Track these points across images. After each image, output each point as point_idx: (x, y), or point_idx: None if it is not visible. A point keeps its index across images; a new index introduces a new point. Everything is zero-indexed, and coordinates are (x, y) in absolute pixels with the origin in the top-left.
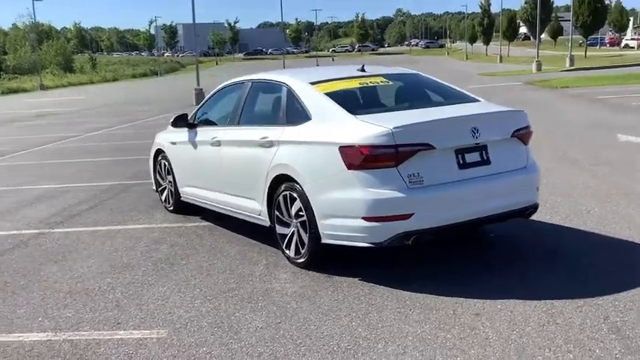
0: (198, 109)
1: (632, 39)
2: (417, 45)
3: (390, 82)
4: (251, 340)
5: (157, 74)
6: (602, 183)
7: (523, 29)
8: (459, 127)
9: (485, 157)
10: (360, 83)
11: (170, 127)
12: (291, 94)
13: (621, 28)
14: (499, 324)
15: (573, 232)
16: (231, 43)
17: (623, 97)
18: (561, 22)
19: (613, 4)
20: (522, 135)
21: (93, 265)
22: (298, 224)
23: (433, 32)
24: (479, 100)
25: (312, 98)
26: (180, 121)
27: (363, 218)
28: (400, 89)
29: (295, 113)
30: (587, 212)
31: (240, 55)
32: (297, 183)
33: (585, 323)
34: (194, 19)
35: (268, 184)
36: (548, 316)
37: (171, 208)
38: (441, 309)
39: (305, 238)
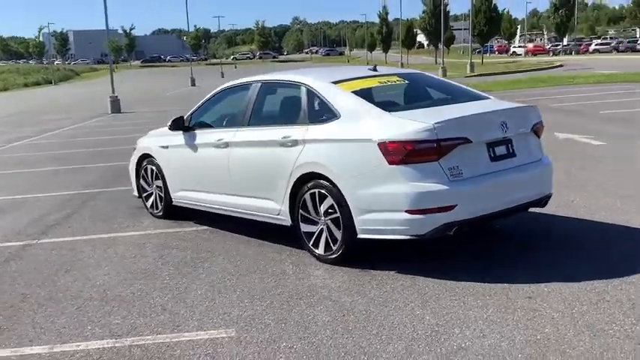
0: (192, 113)
1: (519, 46)
2: (316, 53)
3: (406, 81)
4: (326, 333)
5: (52, 83)
6: (572, 176)
7: (420, 37)
8: (491, 122)
9: (511, 150)
10: (379, 82)
11: (156, 132)
12: (312, 93)
13: (510, 36)
14: (556, 304)
15: (565, 220)
16: (128, 50)
17: (539, 99)
18: (453, 31)
19: (503, 13)
20: (538, 129)
21: (110, 273)
22: (329, 221)
23: (331, 40)
24: (490, 98)
25: (339, 97)
26: (178, 125)
27: (407, 211)
28: (417, 87)
29: (319, 112)
30: (572, 202)
31: (138, 62)
32: (329, 180)
33: (632, 299)
34: (106, 25)
35: (292, 183)
36: (596, 295)
37: (160, 214)
38: (493, 295)
39: (337, 234)
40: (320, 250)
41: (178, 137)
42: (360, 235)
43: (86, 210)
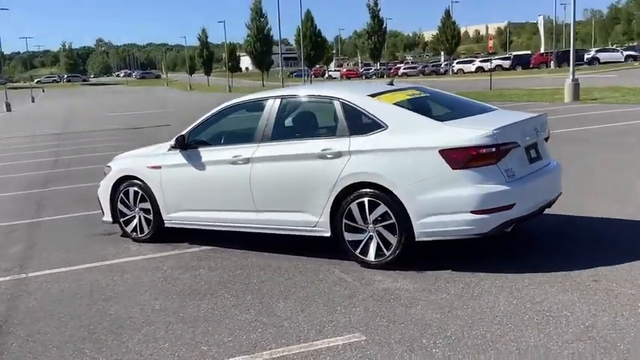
0: (190, 131)
1: (335, 70)
2: (130, 75)
3: (426, 94)
4: (452, 328)
5: None
6: None
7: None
8: (529, 128)
9: (537, 154)
10: (408, 95)
11: (136, 152)
12: (349, 106)
13: (327, 61)
14: (625, 286)
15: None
16: None
17: None
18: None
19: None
20: (547, 135)
21: (158, 297)
22: (380, 228)
23: (141, 63)
24: (498, 109)
25: (383, 109)
26: (182, 143)
27: (472, 212)
28: (439, 99)
29: (360, 124)
30: None
31: None
32: (383, 188)
33: None
34: None
35: (335, 195)
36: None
37: (146, 237)
38: (564, 280)
39: (392, 239)
40: (370, 257)
41: (175, 156)
42: (419, 238)
43: (45, 241)
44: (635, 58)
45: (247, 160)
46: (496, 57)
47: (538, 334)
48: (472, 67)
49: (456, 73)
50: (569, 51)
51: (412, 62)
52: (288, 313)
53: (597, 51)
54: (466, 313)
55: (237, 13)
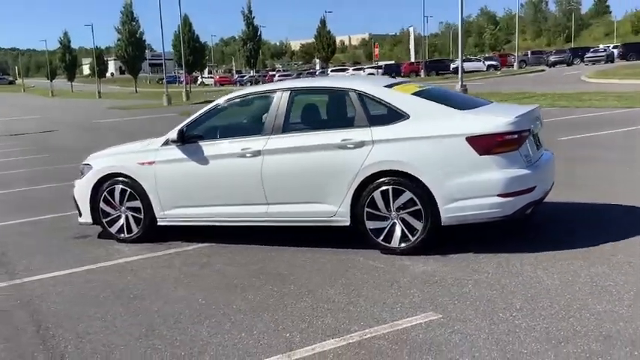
0: (187, 125)
1: (209, 77)
2: None
3: (428, 87)
4: (511, 302)
5: None
6: None
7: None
8: (535, 117)
9: (539, 142)
10: (418, 87)
11: (124, 148)
12: (367, 97)
13: (202, 67)
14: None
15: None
16: None
17: None
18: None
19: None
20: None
21: (195, 293)
22: (405, 214)
23: None
24: (493, 102)
25: (403, 99)
26: (183, 137)
27: (499, 195)
28: (443, 93)
29: (380, 114)
30: None
31: None
32: (408, 176)
33: None
34: None
35: (357, 184)
36: None
37: (135, 237)
38: (587, 256)
39: (417, 225)
40: (394, 243)
41: (171, 151)
42: (445, 223)
43: (15, 248)
44: (495, 67)
45: (258, 153)
46: (367, 66)
47: (599, 301)
48: (347, 75)
49: None
50: (437, 60)
51: (284, 70)
52: (345, 299)
53: (462, 61)
54: (519, 289)
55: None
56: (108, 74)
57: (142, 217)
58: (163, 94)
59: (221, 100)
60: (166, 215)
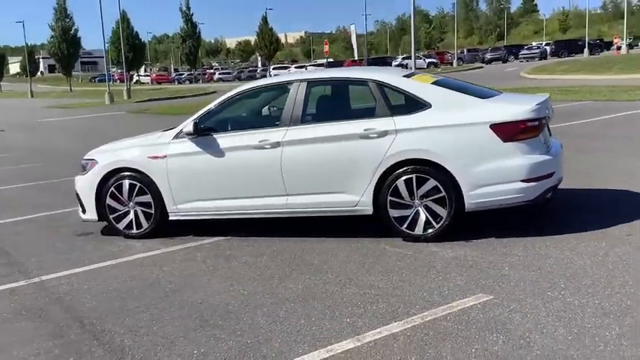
0: (199, 118)
1: (145, 75)
2: None
3: (441, 77)
4: (554, 282)
5: None
6: None
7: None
8: (548, 106)
9: (549, 131)
10: (433, 77)
11: (131, 142)
12: (387, 87)
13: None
14: None
15: None
16: None
17: None
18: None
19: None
20: None
21: (234, 284)
22: (429, 202)
23: None
24: (502, 91)
25: (423, 89)
26: (198, 130)
27: (522, 180)
28: (455, 82)
29: (401, 104)
30: None
31: None
32: (432, 164)
33: None
34: None
35: (380, 173)
36: None
37: (145, 232)
38: (606, 237)
39: (441, 212)
40: (418, 230)
41: (183, 144)
42: (470, 209)
43: (14, 247)
44: (435, 64)
45: (277, 144)
46: (309, 64)
47: (638, 278)
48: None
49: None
50: (379, 58)
51: (222, 68)
52: (389, 285)
53: (403, 58)
54: (555, 269)
55: (31, 15)
56: (38, 73)
57: (152, 211)
58: (105, 92)
59: (234, 92)
60: (179, 209)
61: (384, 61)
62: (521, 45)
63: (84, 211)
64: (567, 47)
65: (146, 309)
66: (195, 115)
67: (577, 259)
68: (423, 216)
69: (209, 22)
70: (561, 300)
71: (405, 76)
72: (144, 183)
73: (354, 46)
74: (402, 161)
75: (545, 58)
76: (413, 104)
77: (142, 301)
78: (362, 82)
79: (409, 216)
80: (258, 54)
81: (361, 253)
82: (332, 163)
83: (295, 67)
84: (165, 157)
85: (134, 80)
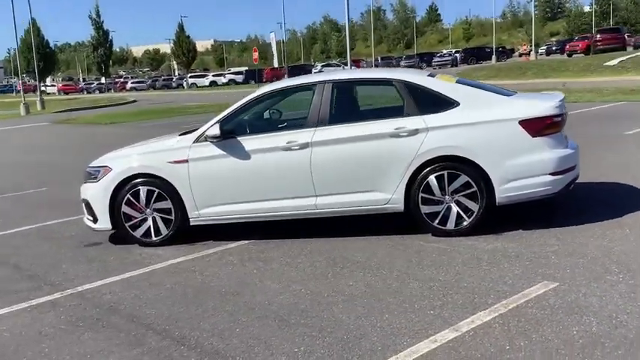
0: (222, 120)
1: (51, 85)
2: None
3: (460, 78)
4: (607, 267)
5: None
6: None
7: None
8: (564, 103)
9: None
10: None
11: (147, 148)
12: (413, 87)
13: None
14: None
15: None
16: None
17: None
18: None
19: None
20: None
21: (291, 285)
22: (461, 197)
23: None
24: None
25: (450, 87)
26: (225, 133)
27: (550, 174)
28: (475, 82)
29: (429, 102)
30: None
31: None
32: (463, 160)
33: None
34: None
35: (412, 171)
36: None
37: (164, 239)
38: (622, 226)
39: (472, 206)
40: (450, 225)
41: (206, 148)
42: (500, 203)
43: (22, 260)
44: None
45: (306, 145)
46: (227, 72)
47: None
48: (206, 81)
49: (190, 87)
50: (299, 66)
51: (132, 77)
52: (450, 277)
53: (323, 65)
54: (599, 255)
55: None
56: None
57: (172, 218)
58: (20, 103)
59: (256, 94)
60: (201, 214)
61: (303, 69)
62: (431, 53)
63: (95, 220)
64: (476, 54)
65: (215, 312)
66: (218, 118)
67: (614, 246)
68: (454, 211)
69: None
70: (624, 283)
71: (429, 75)
72: (163, 189)
73: (274, 54)
74: (433, 158)
75: (456, 65)
76: (441, 103)
77: (204, 305)
78: (388, 82)
79: (440, 212)
80: (175, 62)
81: (400, 250)
82: (362, 163)
83: (213, 76)
84: (187, 161)
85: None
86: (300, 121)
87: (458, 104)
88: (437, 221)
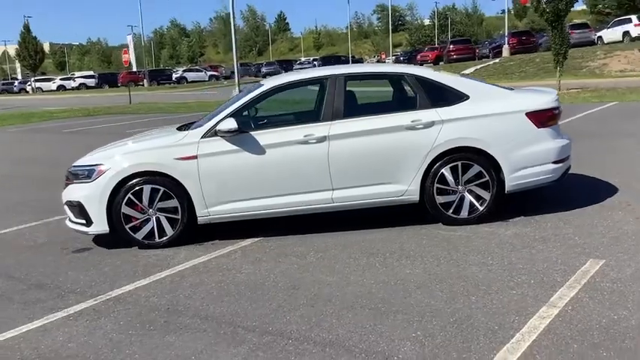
0: (231, 115)
1: None
2: None
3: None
4: None
5: None
6: None
7: None
8: None
9: None
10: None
11: (150, 144)
12: (424, 80)
13: None
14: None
15: None
16: None
17: (80, 129)
18: None
19: None
20: None
21: (342, 278)
22: (473, 187)
23: None
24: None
25: (458, 81)
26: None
27: (553, 162)
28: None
29: (441, 96)
30: None
31: None
32: (476, 150)
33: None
34: None
35: (428, 162)
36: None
37: (170, 240)
38: (612, 209)
39: (485, 195)
40: (463, 214)
41: (216, 143)
42: (509, 191)
43: (13, 270)
44: (217, 77)
45: (323, 139)
46: (78, 75)
47: None
48: (53, 86)
49: (35, 92)
50: (159, 70)
51: None
52: (500, 261)
53: (184, 71)
54: (621, 234)
55: None
56: None
57: (178, 217)
58: None
59: (265, 88)
60: (211, 212)
61: (163, 74)
62: (289, 60)
63: (88, 223)
64: (333, 62)
65: (294, 306)
66: (228, 112)
67: (624, 225)
68: (467, 200)
69: None
70: None
71: (434, 70)
72: (168, 187)
73: (132, 58)
74: (448, 150)
75: None
76: (452, 96)
77: (273, 300)
78: (399, 76)
79: (454, 201)
80: (21, 64)
81: (426, 239)
82: (379, 155)
83: (61, 80)
84: (196, 157)
85: None
86: (313, 115)
87: (468, 97)
88: (451, 211)
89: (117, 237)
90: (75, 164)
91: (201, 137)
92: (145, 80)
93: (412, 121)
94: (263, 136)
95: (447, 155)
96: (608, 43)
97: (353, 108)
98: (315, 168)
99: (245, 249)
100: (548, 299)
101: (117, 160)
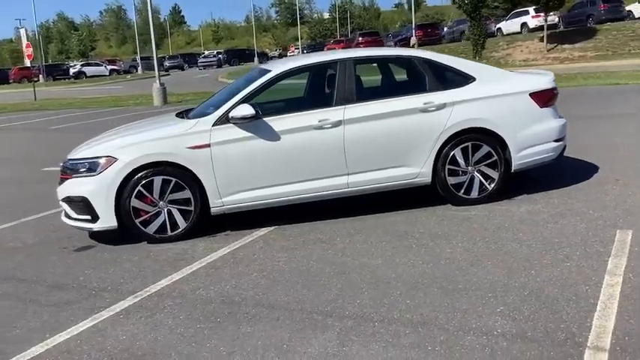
0: (241, 101)
1: None
2: None
3: None
4: None
5: None
6: None
7: None
8: None
9: None
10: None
11: (158, 133)
12: (432, 63)
13: None
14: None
15: None
16: None
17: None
18: None
19: None
20: None
21: (392, 259)
22: (483, 167)
23: None
24: None
25: (464, 64)
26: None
27: (554, 141)
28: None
29: (449, 78)
30: None
31: None
32: (485, 131)
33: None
34: None
35: (440, 144)
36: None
37: (182, 232)
38: (604, 185)
39: (494, 174)
40: (473, 194)
41: (229, 130)
42: (515, 169)
43: (20, 273)
44: (118, 72)
45: (339, 123)
46: None
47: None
48: None
49: None
50: (55, 65)
51: None
52: (534, 238)
53: (82, 65)
54: (630, 205)
55: None
56: None
57: (191, 208)
58: None
59: (275, 73)
60: (224, 202)
61: (59, 68)
62: (193, 54)
63: (94, 219)
64: (238, 56)
65: (353, 291)
66: (239, 97)
67: (626, 197)
68: (477, 180)
69: None
70: None
71: (438, 53)
72: (181, 177)
73: (25, 52)
74: (459, 131)
75: (221, 65)
76: (460, 78)
77: (328, 286)
78: (407, 60)
79: (465, 182)
80: None
81: (446, 220)
82: (395, 138)
83: None
84: (209, 145)
85: None
86: (325, 99)
87: (474, 79)
88: (462, 191)
89: (117, 233)
90: (72, 157)
91: (213, 125)
92: (40, 76)
93: (425, 104)
94: (277, 122)
95: (458, 137)
96: (507, 35)
97: (364, 91)
98: (331, 153)
99: (265, 238)
100: (605, 268)
101: (125, 151)
